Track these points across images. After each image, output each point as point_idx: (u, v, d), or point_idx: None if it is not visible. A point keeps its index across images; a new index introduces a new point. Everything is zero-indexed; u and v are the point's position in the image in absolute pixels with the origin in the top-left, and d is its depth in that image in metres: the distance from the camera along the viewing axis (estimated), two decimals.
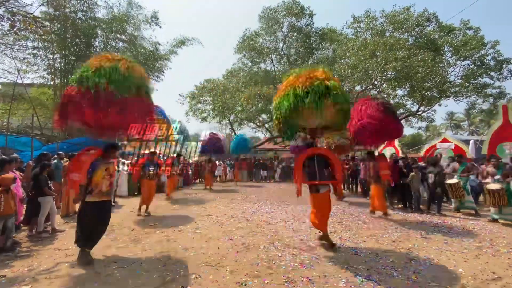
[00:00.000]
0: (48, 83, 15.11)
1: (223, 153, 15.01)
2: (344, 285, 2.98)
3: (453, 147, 11.18)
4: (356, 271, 3.33)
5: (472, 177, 7.41)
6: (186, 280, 3.08)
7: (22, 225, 5.07)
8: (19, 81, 11.44)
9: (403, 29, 16.89)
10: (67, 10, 13.88)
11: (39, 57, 14.20)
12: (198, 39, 18.30)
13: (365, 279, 3.12)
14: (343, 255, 3.94)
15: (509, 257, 3.84)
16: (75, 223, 5.78)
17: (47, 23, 12.44)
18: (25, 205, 4.99)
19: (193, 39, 18.16)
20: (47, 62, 14.42)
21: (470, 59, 16.97)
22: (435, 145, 12.08)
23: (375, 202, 6.56)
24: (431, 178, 7.07)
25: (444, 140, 11.88)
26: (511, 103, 10.04)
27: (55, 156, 7.09)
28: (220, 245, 4.38)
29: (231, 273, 3.27)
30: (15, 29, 5.90)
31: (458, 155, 7.85)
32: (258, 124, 23.44)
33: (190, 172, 14.76)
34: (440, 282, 3.05)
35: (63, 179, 6.54)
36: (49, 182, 5.11)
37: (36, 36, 12.47)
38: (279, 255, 3.92)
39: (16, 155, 6.03)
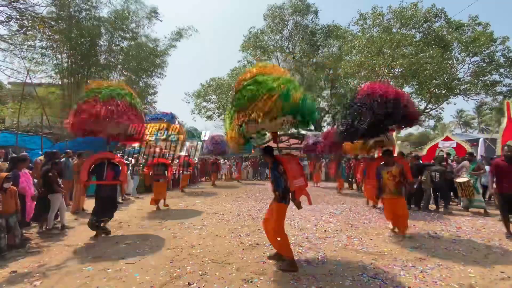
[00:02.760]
0: (56, 83, 15.34)
1: (226, 154, 15.06)
2: (350, 283, 2.97)
3: (454, 145, 11.00)
4: (362, 270, 3.31)
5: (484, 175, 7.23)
6: (193, 277, 3.11)
7: (32, 222, 5.17)
8: (28, 80, 11.65)
9: (411, 25, 16.64)
10: (71, 9, 14.05)
11: (47, 57, 14.45)
12: (194, 27, 17.51)
13: (371, 277, 3.10)
14: (349, 253, 3.93)
15: None
16: (85, 220, 5.93)
17: (53, 23, 12.64)
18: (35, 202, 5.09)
19: (188, 29, 17.52)
20: (55, 62, 14.65)
21: (479, 56, 16.64)
22: (437, 144, 11.93)
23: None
24: (436, 177, 6.98)
25: (447, 139, 11.74)
26: None
27: (64, 154, 7.22)
28: (226, 242, 4.41)
29: (237, 270, 3.29)
30: (23, 29, 6.00)
31: (469, 153, 7.66)
32: None
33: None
34: (448, 281, 3.02)
35: (74, 176, 6.69)
36: (58, 179, 5.21)
37: (44, 36, 12.68)
38: None
39: (25, 153, 6.16)
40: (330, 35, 19.59)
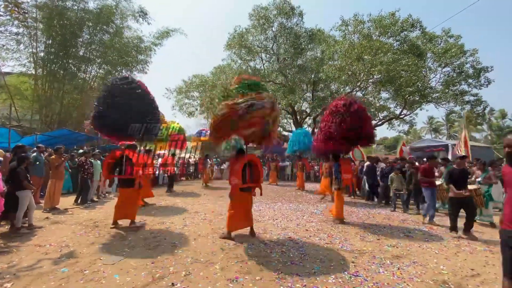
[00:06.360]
0: (29, 72, 14.37)
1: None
2: (333, 281, 3.05)
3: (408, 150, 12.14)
4: (344, 268, 3.41)
5: None
6: (176, 277, 3.04)
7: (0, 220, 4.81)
8: None
9: (389, 34, 17.35)
10: None
11: (22, 44, 13.51)
12: (182, 30, 18.21)
13: (352, 275, 3.20)
14: (330, 251, 4.02)
15: (486, 254, 4.06)
16: (57, 219, 5.61)
17: (32, 9, 11.89)
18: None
19: (176, 30, 17.96)
20: (30, 50, 13.73)
21: (450, 66, 17.68)
22: (401, 149, 12.86)
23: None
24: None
25: (404, 144, 12.96)
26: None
27: (34, 149, 6.78)
28: (209, 242, 4.35)
29: (222, 270, 3.26)
30: None
31: (444, 158, 7.98)
32: None
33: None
34: (423, 278, 3.19)
35: (51, 172, 6.34)
36: (27, 175, 4.88)
37: (21, 23, 11.89)
38: (269, 252, 3.95)
39: None
40: (313, 38, 19.92)
